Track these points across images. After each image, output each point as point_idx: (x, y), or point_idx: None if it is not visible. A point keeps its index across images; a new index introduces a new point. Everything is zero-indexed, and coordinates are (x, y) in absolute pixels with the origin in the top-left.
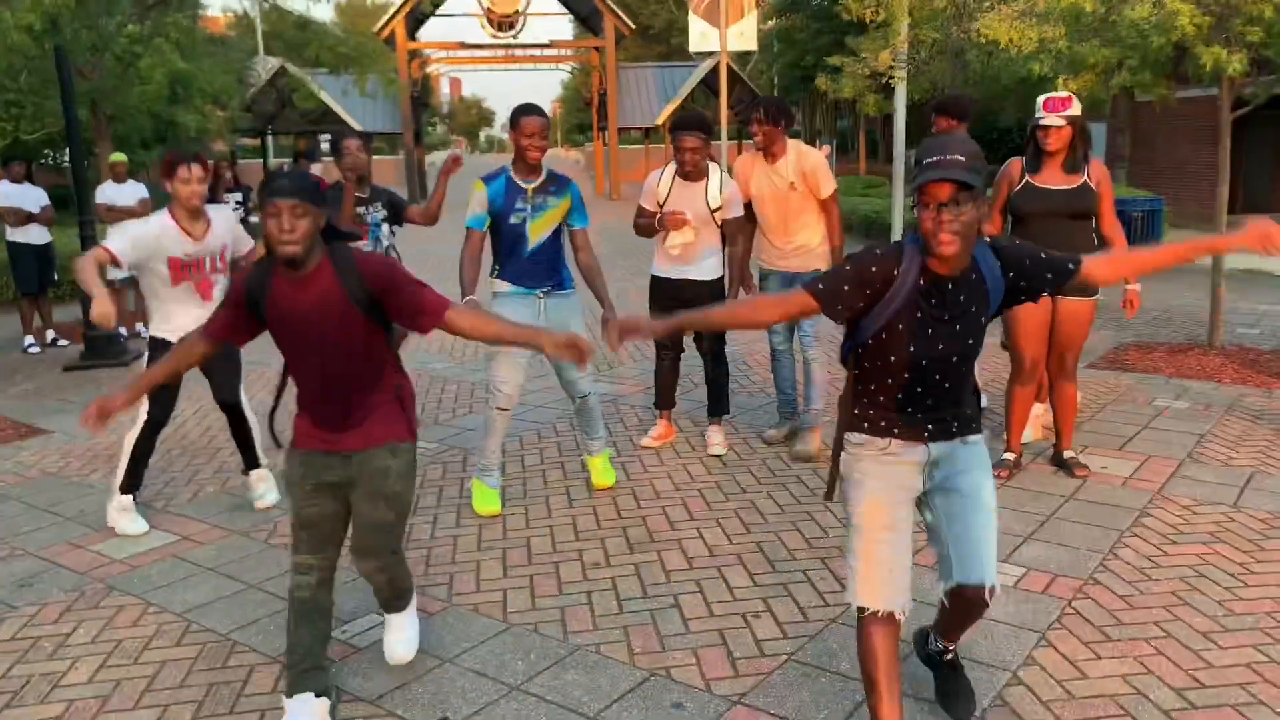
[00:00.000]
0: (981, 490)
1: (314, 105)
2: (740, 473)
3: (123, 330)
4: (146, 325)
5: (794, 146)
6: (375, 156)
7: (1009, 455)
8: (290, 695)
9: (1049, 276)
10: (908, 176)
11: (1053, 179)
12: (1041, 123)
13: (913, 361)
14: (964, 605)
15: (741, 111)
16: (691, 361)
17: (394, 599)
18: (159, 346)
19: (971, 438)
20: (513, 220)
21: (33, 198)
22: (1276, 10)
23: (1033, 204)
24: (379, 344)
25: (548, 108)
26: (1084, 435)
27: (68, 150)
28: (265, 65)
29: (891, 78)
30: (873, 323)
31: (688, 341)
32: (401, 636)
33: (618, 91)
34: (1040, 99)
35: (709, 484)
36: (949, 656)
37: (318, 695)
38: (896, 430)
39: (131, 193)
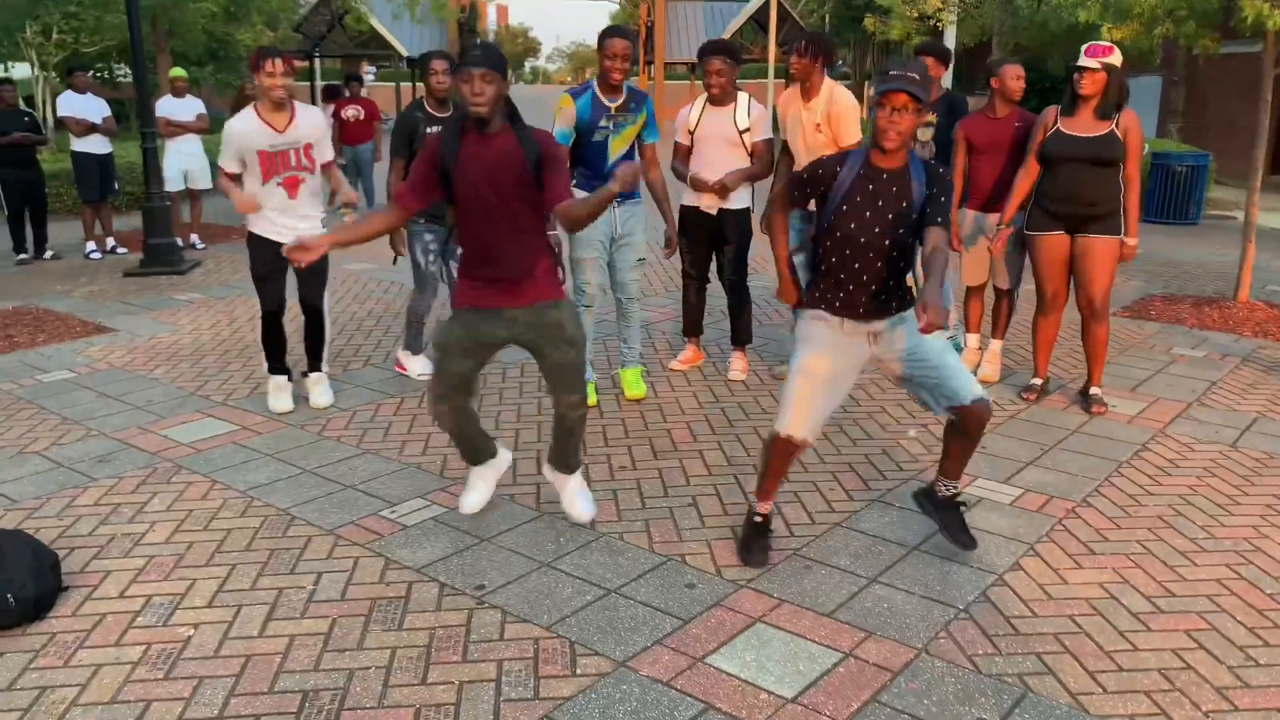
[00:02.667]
0: (936, 342)
1: (363, 29)
2: (762, 395)
3: (179, 239)
4: (199, 236)
5: (829, 87)
6: (421, 83)
7: (1035, 380)
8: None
9: (929, 211)
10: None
11: (1082, 126)
12: (1079, 64)
13: (856, 238)
14: (975, 419)
15: (791, 49)
16: (720, 293)
17: (575, 450)
18: (254, 241)
19: (904, 313)
20: (596, 137)
21: (95, 108)
22: None
23: (1060, 149)
24: (540, 206)
25: (594, 41)
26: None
27: (125, 64)
28: None
29: (940, 20)
30: (830, 205)
31: (712, 272)
32: (584, 495)
33: (665, 25)
34: (1086, 46)
35: (731, 404)
36: (961, 496)
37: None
38: (846, 310)
39: (190, 107)
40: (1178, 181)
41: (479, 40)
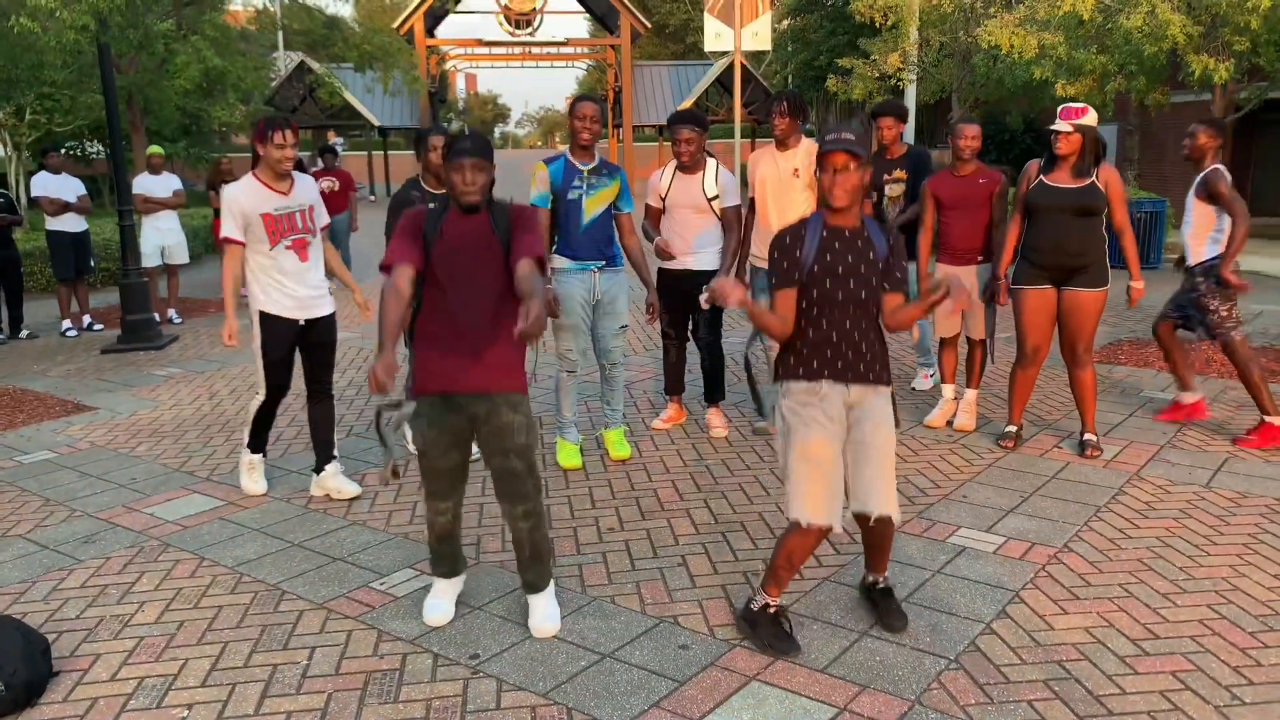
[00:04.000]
0: (887, 446)
1: (335, 102)
2: (745, 451)
3: (156, 315)
4: (177, 310)
5: (808, 143)
6: (393, 152)
7: (1011, 428)
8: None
9: (886, 274)
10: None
11: (1063, 179)
12: (1053, 128)
13: (834, 295)
14: (872, 532)
15: (756, 109)
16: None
17: (535, 563)
18: (267, 321)
19: (882, 388)
20: (570, 196)
21: (70, 187)
22: (1262, 21)
23: (1044, 200)
24: (509, 284)
25: (562, 105)
26: (1073, 422)
27: (99, 142)
28: (286, 60)
29: (901, 80)
30: (803, 269)
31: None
32: (548, 613)
33: (633, 89)
34: (1060, 108)
35: (715, 461)
36: (881, 585)
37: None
38: (826, 370)
39: (166, 184)
40: (1137, 228)
41: (466, 128)
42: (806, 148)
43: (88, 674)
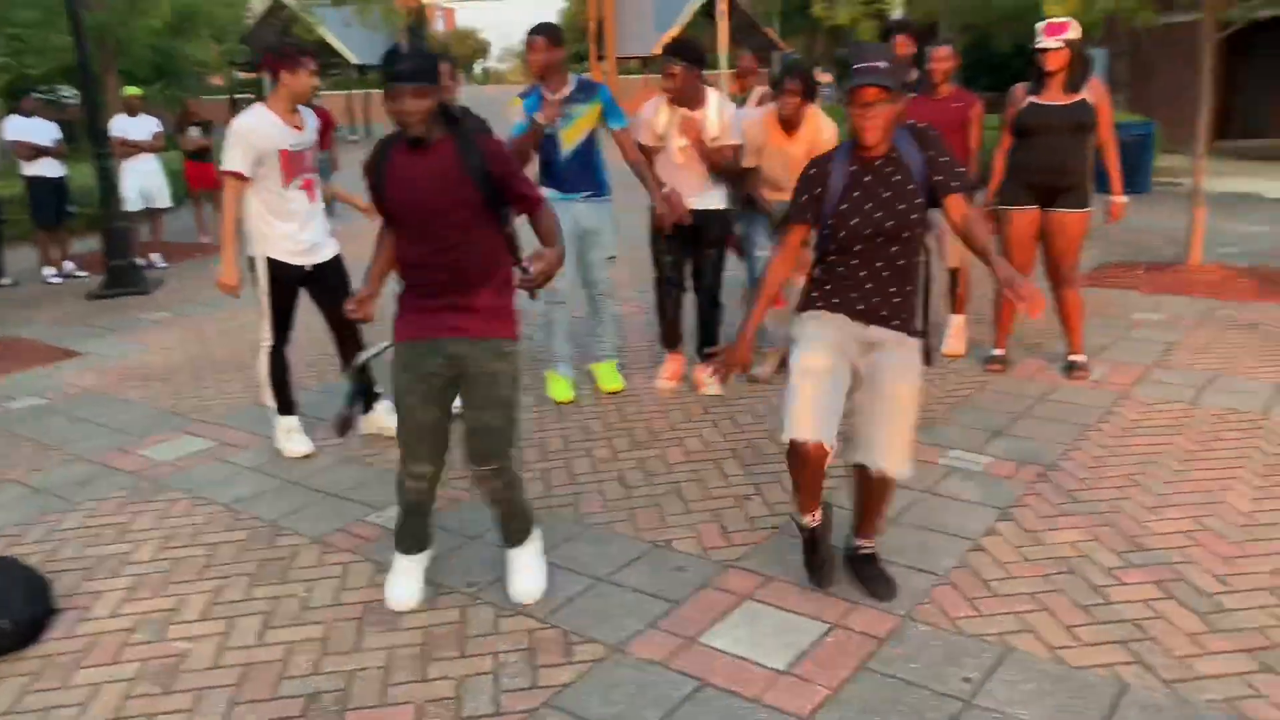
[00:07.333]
0: (897, 388)
1: (312, 39)
2: (738, 380)
3: (141, 260)
4: (161, 254)
5: (814, 116)
6: (372, 90)
7: (996, 351)
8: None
9: (938, 179)
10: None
11: (1053, 97)
12: (1040, 46)
13: (861, 233)
14: (869, 484)
15: (742, 38)
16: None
17: (509, 523)
18: (274, 267)
19: (909, 339)
20: (546, 129)
21: (44, 132)
22: None
23: (1036, 119)
24: (489, 225)
25: None
26: (1061, 346)
27: (72, 84)
28: None
29: (887, 4)
30: (826, 206)
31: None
32: (530, 573)
33: (615, 20)
34: (1039, 25)
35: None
36: (863, 551)
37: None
38: (844, 310)
39: (144, 126)
40: (1126, 151)
41: (401, 43)
42: (814, 125)
43: (89, 611)
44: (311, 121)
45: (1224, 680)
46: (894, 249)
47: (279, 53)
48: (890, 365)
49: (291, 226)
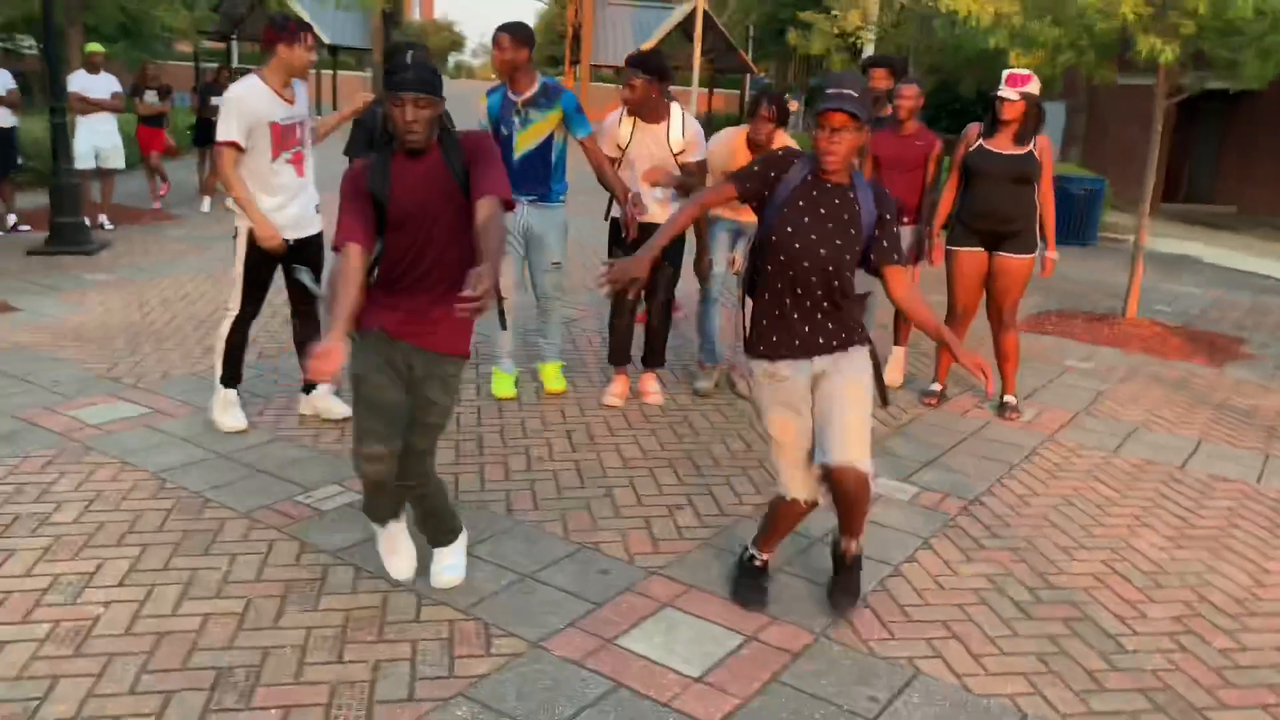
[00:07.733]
0: (854, 390)
1: (285, 13)
2: (679, 393)
3: (87, 220)
4: (109, 217)
5: (783, 142)
6: (342, 72)
7: (935, 386)
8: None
9: (884, 244)
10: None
11: (1003, 146)
12: (1000, 94)
13: (793, 247)
14: (840, 480)
15: (716, 59)
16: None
17: (434, 521)
18: (256, 238)
19: (855, 348)
20: (503, 130)
21: None
22: (1209, 6)
23: (982, 164)
24: (470, 230)
25: None
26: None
27: (33, 35)
28: None
29: (859, 39)
30: (771, 208)
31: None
32: (451, 566)
33: (593, 27)
34: (1005, 73)
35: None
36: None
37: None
38: (784, 350)
39: (104, 84)
40: (1076, 204)
41: (408, 51)
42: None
43: (2, 567)
44: (303, 95)
45: (1117, 717)
46: (822, 291)
47: (279, 26)
48: (839, 371)
49: (277, 200)
